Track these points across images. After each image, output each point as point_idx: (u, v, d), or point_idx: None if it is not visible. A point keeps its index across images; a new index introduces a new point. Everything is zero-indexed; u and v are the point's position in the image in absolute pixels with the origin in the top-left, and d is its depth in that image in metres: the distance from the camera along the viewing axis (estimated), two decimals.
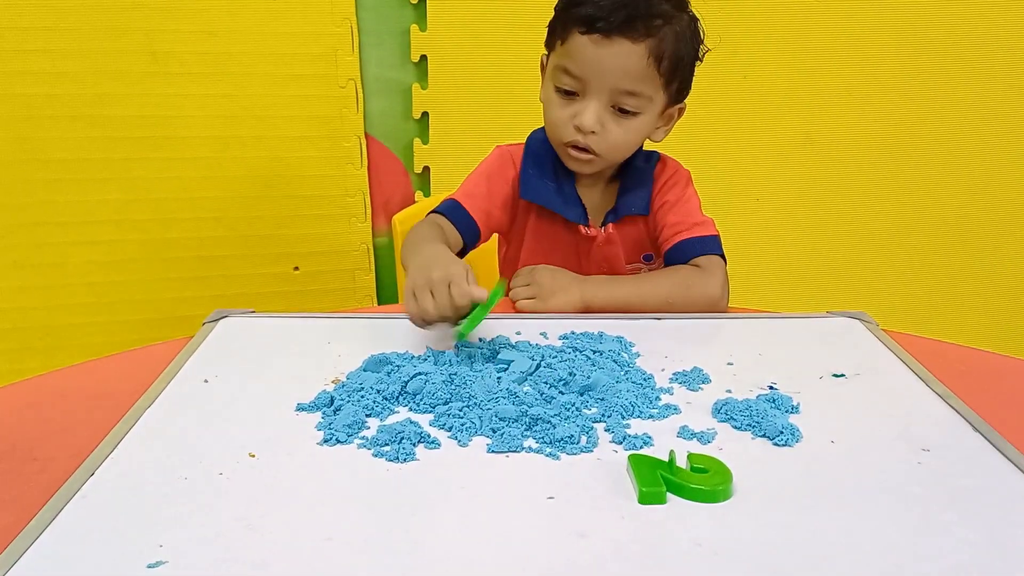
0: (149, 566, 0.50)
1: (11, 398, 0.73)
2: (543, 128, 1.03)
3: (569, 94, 0.95)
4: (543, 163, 1.03)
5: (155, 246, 1.58)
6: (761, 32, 1.64)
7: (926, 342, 0.89)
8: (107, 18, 1.45)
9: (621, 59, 0.91)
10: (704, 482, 0.58)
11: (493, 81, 1.61)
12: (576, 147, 0.96)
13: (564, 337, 0.83)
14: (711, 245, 0.99)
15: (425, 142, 1.64)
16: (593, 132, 0.94)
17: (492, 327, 0.85)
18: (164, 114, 1.52)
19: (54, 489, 0.57)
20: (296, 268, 1.66)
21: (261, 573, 0.50)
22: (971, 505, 0.58)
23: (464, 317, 0.78)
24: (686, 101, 1.01)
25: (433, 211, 1.02)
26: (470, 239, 1.01)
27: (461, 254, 1.00)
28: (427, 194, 1.66)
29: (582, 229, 1.03)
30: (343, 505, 0.56)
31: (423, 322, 0.80)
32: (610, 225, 1.03)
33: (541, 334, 0.84)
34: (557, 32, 0.96)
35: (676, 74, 0.95)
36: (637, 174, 1.03)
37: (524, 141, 1.06)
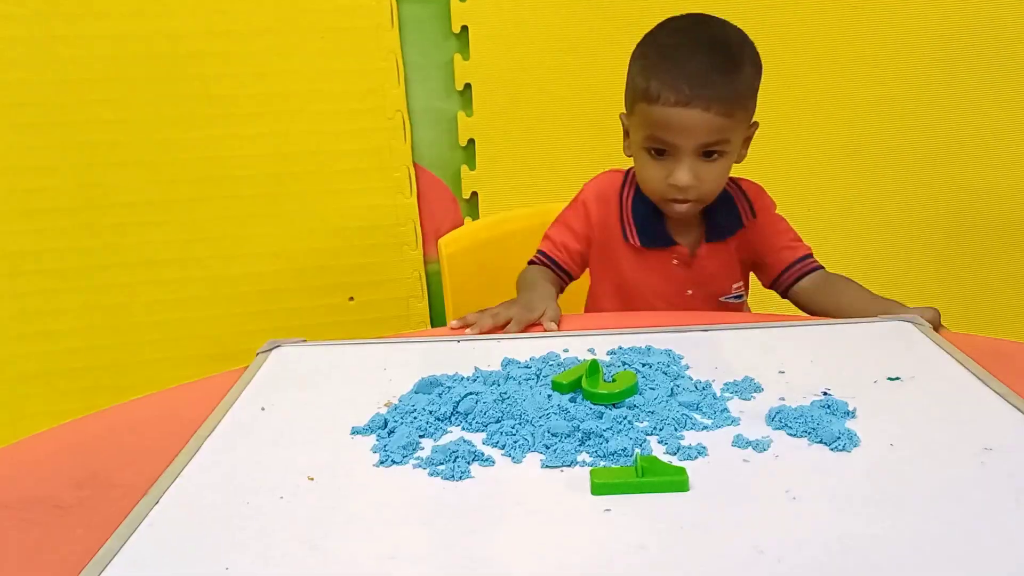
0: None
1: (86, 428, 0.75)
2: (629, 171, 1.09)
3: (660, 153, 0.99)
4: (646, 200, 1.06)
5: (216, 283, 1.61)
6: (801, 41, 1.62)
7: (983, 340, 0.86)
8: (165, 66, 1.49)
9: (704, 120, 0.95)
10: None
11: (536, 105, 1.62)
12: (677, 201, 1.00)
13: (612, 352, 0.82)
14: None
15: (472, 168, 1.65)
16: (690, 186, 0.98)
17: (540, 344, 0.84)
18: (221, 155, 1.56)
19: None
20: (351, 298, 1.68)
21: None
22: None
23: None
24: (756, 118, 1.04)
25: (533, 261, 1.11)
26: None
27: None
28: (475, 219, 1.66)
29: (680, 249, 1.06)
30: (402, 524, 0.56)
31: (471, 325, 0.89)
32: (704, 245, 1.06)
33: (589, 350, 0.83)
34: (636, 98, 1.00)
35: (749, 107, 1.00)
36: (725, 207, 1.07)
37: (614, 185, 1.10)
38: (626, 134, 1.05)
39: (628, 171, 1.09)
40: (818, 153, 1.67)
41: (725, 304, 1.10)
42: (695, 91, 0.94)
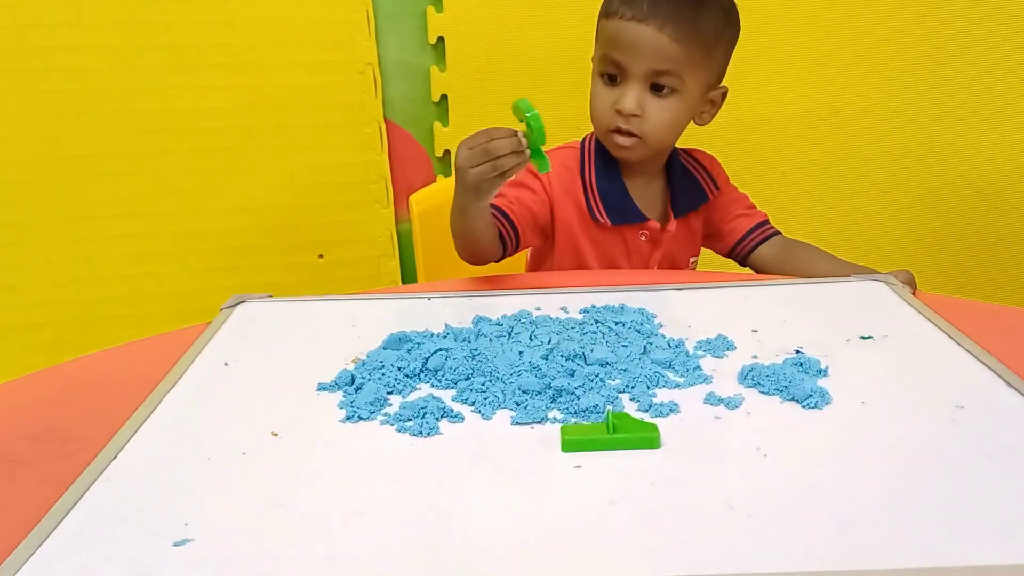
0: (175, 544, 0.48)
1: (44, 382, 0.72)
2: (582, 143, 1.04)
3: (611, 80, 0.96)
4: (608, 171, 1.02)
5: (183, 238, 1.57)
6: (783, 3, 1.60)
7: (956, 301, 0.85)
8: (127, 12, 1.43)
9: (655, 41, 0.92)
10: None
11: (511, 61, 1.58)
12: (619, 131, 0.96)
13: (585, 311, 0.81)
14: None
15: (445, 125, 1.61)
16: (635, 115, 0.95)
17: (512, 303, 0.83)
18: (187, 106, 1.50)
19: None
20: (320, 256, 1.64)
21: (290, 548, 0.48)
22: (1009, 463, 0.55)
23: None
24: (726, 85, 1.01)
25: None
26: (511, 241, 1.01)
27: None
28: (448, 177, 1.63)
29: (652, 225, 1.02)
30: (369, 480, 0.54)
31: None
32: (674, 220, 1.03)
33: (562, 308, 0.82)
34: (599, 15, 0.97)
35: (711, 55, 0.96)
36: (686, 179, 1.05)
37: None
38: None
39: (583, 142, 1.05)
40: (793, 116, 1.65)
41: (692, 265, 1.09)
42: (651, 8, 0.92)
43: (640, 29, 0.92)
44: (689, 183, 1.05)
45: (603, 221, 1.01)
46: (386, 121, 1.59)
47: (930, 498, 0.52)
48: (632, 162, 1.01)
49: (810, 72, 1.62)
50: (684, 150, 1.08)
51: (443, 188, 1.29)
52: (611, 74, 0.96)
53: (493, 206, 0.99)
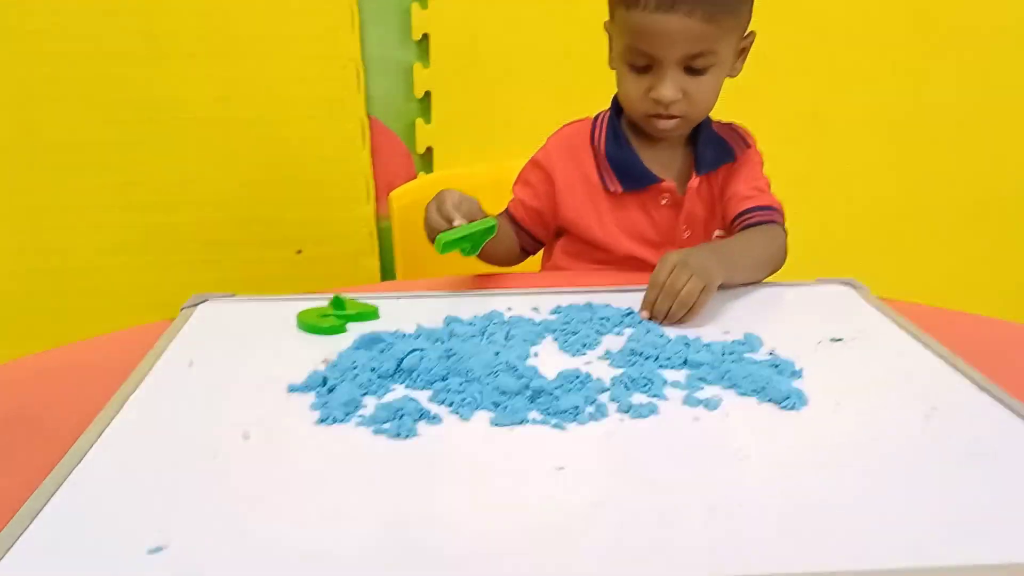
0: (150, 551, 0.45)
1: (9, 372, 0.69)
2: (602, 114, 0.99)
3: (643, 69, 0.89)
4: (619, 140, 0.96)
5: (158, 230, 1.51)
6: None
7: (923, 308, 0.84)
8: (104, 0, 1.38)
9: (687, 27, 0.84)
10: None
11: (496, 59, 1.54)
12: (660, 116, 0.90)
13: (556, 311, 0.78)
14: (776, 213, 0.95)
15: (428, 122, 1.57)
16: (675, 101, 0.89)
17: (483, 303, 0.80)
18: (164, 96, 1.45)
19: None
20: (299, 251, 1.60)
21: (267, 550, 0.45)
22: (983, 461, 0.54)
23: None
24: (752, 29, 0.93)
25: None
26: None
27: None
28: (429, 174, 1.60)
29: (667, 186, 0.95)
30: (346, 482, 0.52)
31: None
32: (696, 178, 0.95)
33: (533, 309, 0.79)
34: (620, 13, 0.89)
35: (740, 13, 0.89)
36: (714, 142, 0.97)
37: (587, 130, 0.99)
38: (610, 45, 0.94)
39: (596, 117, 1.00)
40: (776, 120, 1.62)
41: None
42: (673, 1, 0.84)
43: (670, 20, 0.84)
44: (716, 143, 0.97)
45: (614, 189, 0.95)
46: (368, 117, 1.55)
47: (906, 499, 0.50)
48: (670, 135, 0.94)
49: (794, 76, 1.60)
50: (718, 122, 1.00)
51: (423, 185, 1.26)
52: (641, 65, 0.89)
53: (505, 212, 0.99)
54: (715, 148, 0.96)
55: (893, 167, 1.68)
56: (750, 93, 1.56)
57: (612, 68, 0.94)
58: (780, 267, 0.91)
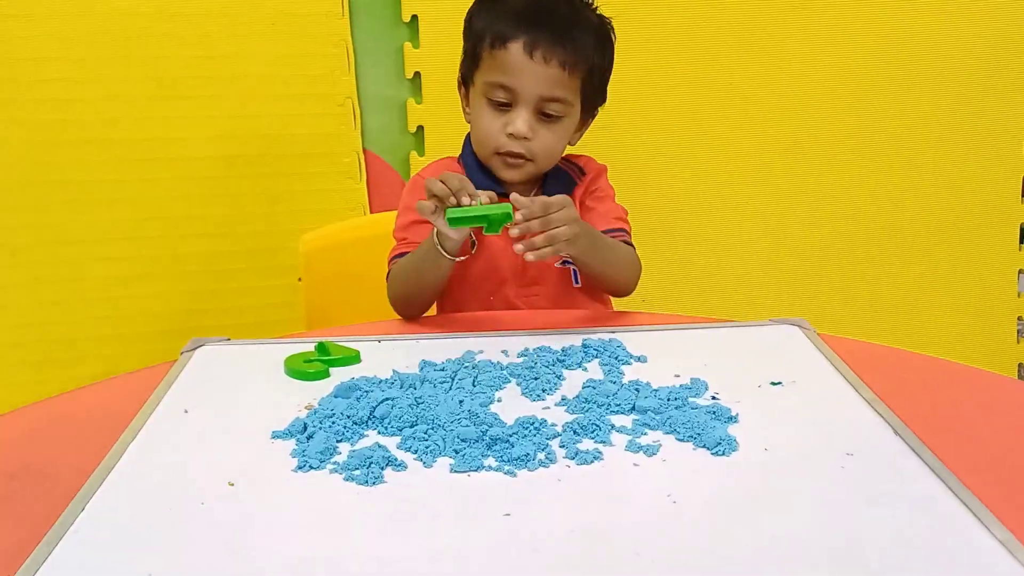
0: None
1: (14, 423, 0.75)
2: (461, 154, 1.06)
3: (501, 106, 0.98)
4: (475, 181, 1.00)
5: (167, 262, 1.58)
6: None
7: (860, 345, 0.90)
8: (114, 47, 1.46)
9: (544, 71, 0.96)
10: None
11: None
12: (511, 154, 0.99)
13: (523, 354, 0.84)
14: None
15: (421, 154, 1.65)
16: (526, 138, 0.98)
17: (456, 345, 0.86)
18: (172, 136, 1.52)
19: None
20: (300, 279, 1.66)
21: None
22: (885, 508, 0.59)
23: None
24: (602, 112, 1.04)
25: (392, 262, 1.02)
26: None
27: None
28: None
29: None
30: (317, 530, 0.58)
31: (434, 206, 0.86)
32: None
33: (503, 352, 0.85)
34: (484, 49, 0.99)
35: (591, 80, 1.00)
36: (558, 174, 1.06)
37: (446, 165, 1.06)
38: (464, 98, 1.05)
39: (459, 156, 1.07)
40: (756, 148, 1.67)
41: (564, 269, 1.05)
42: (536, 39, 0.94)
43: (535, 61, 0.95)
44: (557, 175, 1.05)
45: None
46: (364, 151, 1.62)
47: (818, 542, 0.56)
48: (515, 181, 1.02)
49: (775, 105, 1.66)
50: (565, 156, 1.08)
51: (336, 231, 1.33)
52: (500, 101, 0.98)
53: (400, 253, 1.01)
54: (559, 179, 1.05)
55: (869, 198, 1.74)
56: (729, 124, 1.58)
57: (468, 120, 1.04)
58: (635, 278, 1.03)
